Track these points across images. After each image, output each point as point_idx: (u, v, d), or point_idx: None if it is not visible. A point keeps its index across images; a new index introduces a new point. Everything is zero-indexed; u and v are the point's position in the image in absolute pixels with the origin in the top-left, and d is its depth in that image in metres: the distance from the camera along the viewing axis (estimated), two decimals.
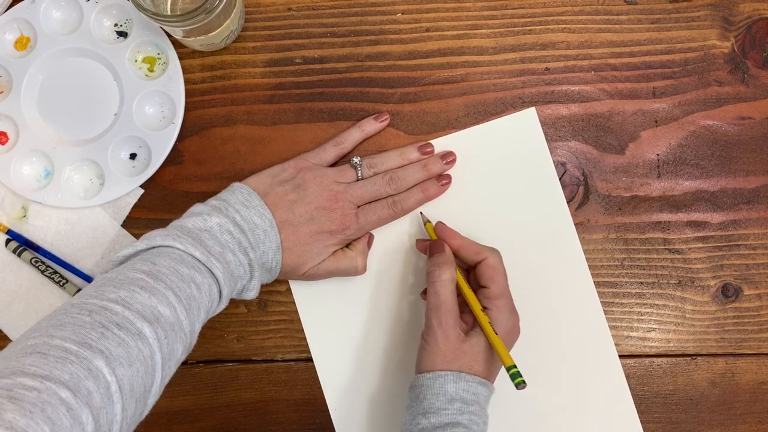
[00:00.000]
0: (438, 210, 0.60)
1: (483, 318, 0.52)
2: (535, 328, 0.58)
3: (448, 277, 0.53)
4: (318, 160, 0.58)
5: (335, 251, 0.57)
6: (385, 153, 0.59)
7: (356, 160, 0.58)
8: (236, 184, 0.55)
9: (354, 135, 0.59)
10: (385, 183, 0.57)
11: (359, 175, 0.58)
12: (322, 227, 0.55)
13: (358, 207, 0.57)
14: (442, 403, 0.50)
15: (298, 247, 0.54)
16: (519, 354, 0.53)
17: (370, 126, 0.60)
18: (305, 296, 0.60)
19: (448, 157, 0.59)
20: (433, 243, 0.56)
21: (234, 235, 0.50)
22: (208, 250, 0.48)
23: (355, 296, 0.60)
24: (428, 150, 0.59)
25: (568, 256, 0.60)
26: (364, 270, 0.58)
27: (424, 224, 0.59)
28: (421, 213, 0.59)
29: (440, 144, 0.61)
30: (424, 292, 0.57)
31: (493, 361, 0.52)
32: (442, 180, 0.59)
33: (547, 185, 0.60)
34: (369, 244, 0.59)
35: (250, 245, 0.51)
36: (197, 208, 0.52)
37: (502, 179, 0.61)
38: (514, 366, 0.49)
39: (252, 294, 0.52)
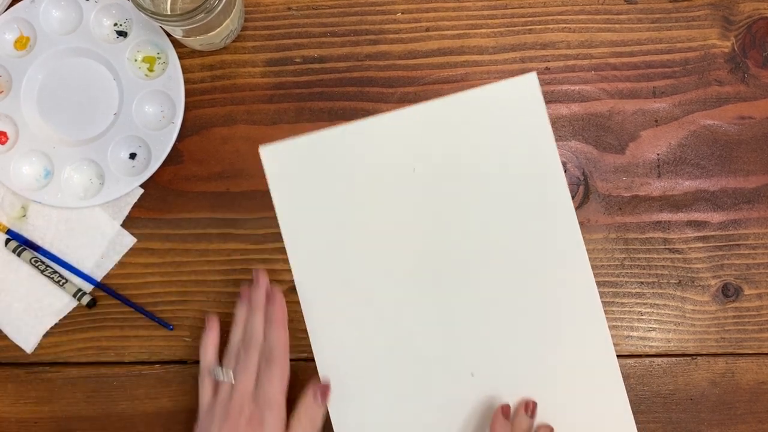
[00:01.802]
0: (428, 183, 0.58)
1: None
2: (528, 309, 0.57)
3: None
4: (207, 397, 0.54)
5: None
6: (232, 331, 0.56)
7: (213, 371, 0.55)
8: None
9: (207, 356, 0.56)
10: (241, 355, 0.54)
11: (219, 377, 0.54)
12: None
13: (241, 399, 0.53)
14: None
15: None
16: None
17: (206, 339, 0.57)
18: (310, 293, 0.60)
19: (271, 294, 0.56)
20: (506, 409, 0.55)
21: None
22: None
23: (360, 293, 0.60)
24: (259, 281, 0.57)
25: (564, 228, 0.58)
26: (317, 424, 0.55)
27: None
28: None
29: (429, 109, 0.59)
30: None
31: None
32: (272, 300, 0.56)
33: (545, 158, 0.58)
34: (322, 393, 0.55)
35: None
36: None
37: (496, 150, 0.59)
38: None
39: None
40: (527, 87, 0.58)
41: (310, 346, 0.59)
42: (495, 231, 0.58)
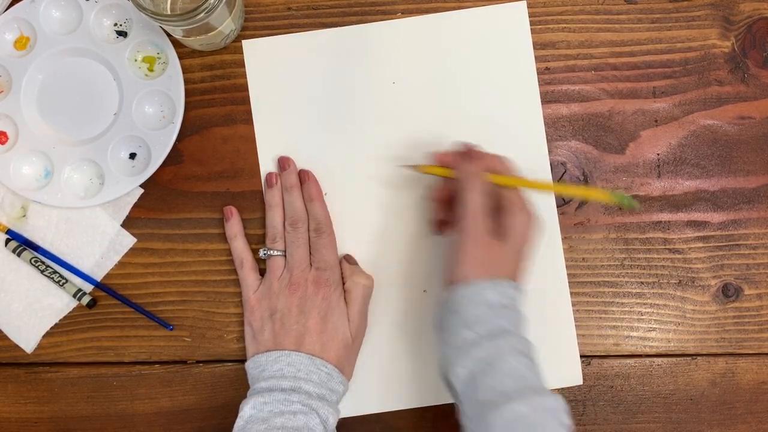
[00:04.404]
0: (406, 106, 0.60)
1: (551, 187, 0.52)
2: None
3: (478, 183, 0.52)
4: (253, 285, 0.58)
5: (341, 301, 0.57)
6: (268, 216, 0.59)
7: (261, 252, 0.58)
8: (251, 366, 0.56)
9: (238, 246, 0.59)
10: (290, 232, 0.58)
11: (271, 254, 0.58)
12: (311, 308, 0.55)
13: (300, 269, 0.57)
14: (484, 312, 0.49)
15: (324, 342, 0.55)
16: None
17: (231, 230, 0.60)
18: None
19: (304, 175, 0.60)
20: (459, 154, 0.54)
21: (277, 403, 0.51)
22: None
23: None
24: (289, 165, 0.60)
25: (534, 162, 0.60)
26: (371, 279, 0.59)
27: (416, 168, 0.57)
28: (406, 166, 0.58)
29: (416, 23, 0.60)
30: (440, 224, 0.57)
31: (521, 262, 0.52)
32: (304, 177, 0.60)
33: (526, 88, 0.60)
34: (350, 260, 0.60)
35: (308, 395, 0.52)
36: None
37: (476, 72, 0.60)
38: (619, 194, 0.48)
39: (333, 419, 0.53)
40: (515, 14, 0.60)
41: None
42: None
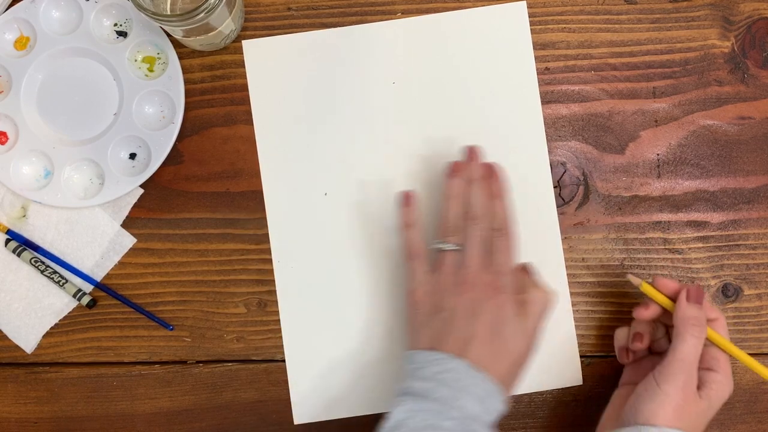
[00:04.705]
0: (406, 106, 0.60)
1: (751, 361, 0.52)
2: None
3: (704, 333, 0.51)
4: (421, 279, 0.54)
5: (516, 313, 0.51)
6: (445, 206, 0.55)
7: (434, 245, 0.54)
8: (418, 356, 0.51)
9: (413, 236, 0.55)
10: (469, 227, 0.53)
11: (445, 248, 0.53)
12: (481, 313, 0.50)
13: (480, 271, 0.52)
14: None
15: (491, 353, 0.49)
16: None
17: (408, 216, 0.56)
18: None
19: (490, 169, 0.56)
20: (693, 292, 0.52)
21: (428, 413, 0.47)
22: None
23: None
24: (477, 156, 0.56)
25: (534, 162, 0.60)
26: (555, 295, 0.53)
27: (639, 286, 0.55)
28: (630, 276, 0.56)
29: (415, 23, 0.60)
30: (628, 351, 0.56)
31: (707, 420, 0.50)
32: (490, 172, 0.55)
33: (525, 88, 0.60)
34: (529, 270, 0.54)
35: (448, 406, 0.47)
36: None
37: (476, 72, 0.60)
38: None
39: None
40: (515, 14, 0.59)
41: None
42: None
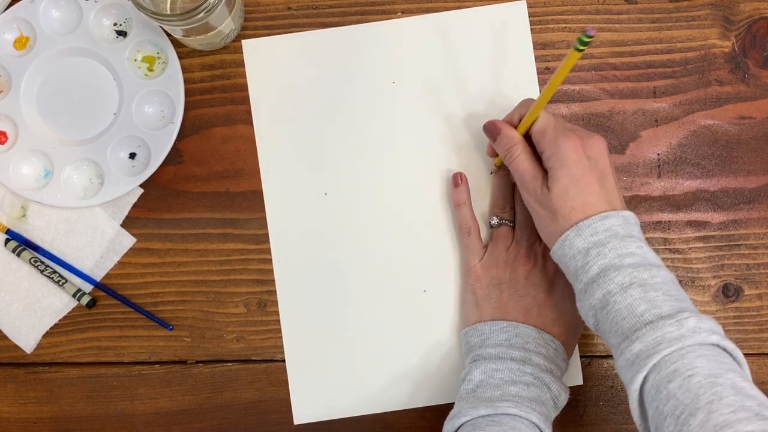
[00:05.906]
0: (406, 106, 0.60)
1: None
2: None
3: (520, 150, 0.52)
4: (479, 253, 0.57)
5: (568, 282, 0.52)
6: (497, 183, 0.59)
7: (492, 220, 0.58)
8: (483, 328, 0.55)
9: (464, 213, 0.58)
10: (518, 201, 0.58)
11: (501, 222, 0.57)
12: (539, 282, 0.55)
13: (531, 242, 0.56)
14: (618, 255, 0.47)
15: (553, 317, 0.54)
16: None
17: (459, 196, 0.58)
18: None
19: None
20: (489, 127, 0.54)
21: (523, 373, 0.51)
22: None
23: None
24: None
25: None
26: None
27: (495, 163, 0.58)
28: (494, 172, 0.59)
29: (415, 23, 0.60)
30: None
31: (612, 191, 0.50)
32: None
33: (526, 88, 0.60)
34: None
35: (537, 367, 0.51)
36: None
37: (476, 72, 0.60)
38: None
39: (564, 396, 0.52)
40: (515, 14, 0.60)
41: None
42: (465, 152, 0.60)
